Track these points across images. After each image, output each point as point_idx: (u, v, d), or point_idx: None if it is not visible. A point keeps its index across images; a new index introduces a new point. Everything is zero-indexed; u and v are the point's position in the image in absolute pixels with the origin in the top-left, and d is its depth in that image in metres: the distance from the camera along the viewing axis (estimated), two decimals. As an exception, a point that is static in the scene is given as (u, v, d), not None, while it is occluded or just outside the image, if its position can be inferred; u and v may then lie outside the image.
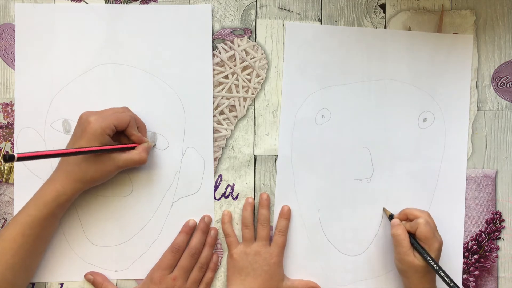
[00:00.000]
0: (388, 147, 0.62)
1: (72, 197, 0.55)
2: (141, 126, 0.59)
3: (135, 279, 0.61)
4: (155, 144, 0.61)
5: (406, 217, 0.59)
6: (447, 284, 0.53)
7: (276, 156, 0.62)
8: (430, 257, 0.54)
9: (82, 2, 0.61)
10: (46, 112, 0.60)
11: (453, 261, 0.62)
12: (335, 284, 0.62)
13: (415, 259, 0.55)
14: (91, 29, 0.61)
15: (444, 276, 0.53)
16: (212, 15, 0.62)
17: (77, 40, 0.61)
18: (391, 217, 0.60)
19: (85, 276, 0.59)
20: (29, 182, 0.59)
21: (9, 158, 0.45)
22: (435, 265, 0.54)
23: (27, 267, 0.55)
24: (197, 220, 0.61)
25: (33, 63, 0.60)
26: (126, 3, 0.61)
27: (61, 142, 0.60)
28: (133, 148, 0.56)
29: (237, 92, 0.62)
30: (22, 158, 0.47)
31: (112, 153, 0.54)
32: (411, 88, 0.63)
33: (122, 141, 0.57)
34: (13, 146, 0.60)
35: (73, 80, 0.61)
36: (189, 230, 0.60)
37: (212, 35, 0.62)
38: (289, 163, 0.62)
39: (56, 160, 0.56)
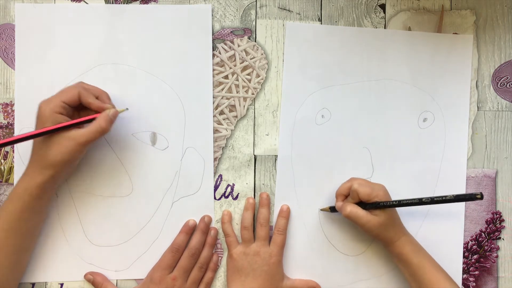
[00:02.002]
0: (388, 147, 0.62)
1: (44, 185, 0.53)
2: (100, 94, 0.55)
3: (135, 279, 0.61)
4: (127, 109, 0.57)
5: (343, 196, 0.59)
6: (421, 203, 0.54)
7: (276, 156, 0.62)
8: (387, 202, 0.55)
9: (82, 2, 0.61)
10: (46, 112, 0.60)
11: (453, 261, 0.62)
12: (335, 284, 0.62)
13: (377, 218, 0.55)
14: (91, 29, 0.61)
15: (413, 200, 0.54)
16: (212, 15, 0.62)
17: (77, 40, 0.61)
18: (332, 209, 0.60)
19: (85, 276, 0.59)
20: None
21: None
22: (395, 202, 0.55)
23: (14, 264, 0.54)
24: (197, 220, 0.61)
25: (33, 63, 0.60)
26: (126, 3, 0.61)
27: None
28: (93, 120, 0.53)
29: (237, 92, 0.62)
30: None
31: (68, 131, 0.52)
32: (411, 88, 0.63)
33: (83, 115, 0.55)
34: (13, 146, 0.60)
35: (73, 80, 0.61)
36: (189, 230, 0.60)
37: (212, 35, 0.62)
38: (289, 163, 0.62)
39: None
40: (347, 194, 0.58)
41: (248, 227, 0.60)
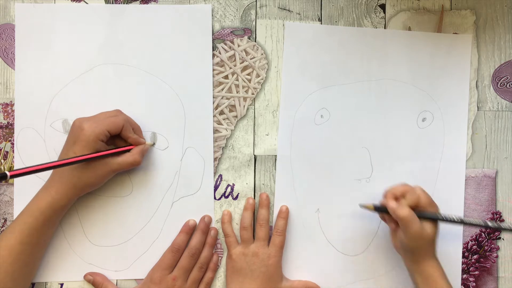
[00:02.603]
0: (387, 147, 0.62)
1: (68, 203, 0.55)
2: (135, 128, 0.58)
3: (135, 279, 0.61)
4: (154, 143, 0.60)
5: (394, 197, 0.56)
6: (487, 226, 0.53)
7: (276, 156, 0.62)
8: (444, 216, 0.53)
9: (82, 2, 0.61)
10: (46, 112, 0.60)
11: (452, 261, 0.62)
12: (334, 284, 0.62)
13: (427, 230, 0.53)
14: (91, 29, 0.61)
15: (466, 220, 0.54)
16: (212, 15, 0.62)
17: (77, 40, 0.61)
18: (377, 208, 0.58)
19: (85, 276, 0.59)
20: (29, 182, 0.59)
21: (1, 177, 0.44)
22: (457, 219, 0.53)
23: (26, 274, 0.55)
24: (197, 220, 0.61)
25: (33, 63, 0.60)
26: (126, 3, 0.61)
27: (61, 142, 0.59)
28: (128, 150, 0.56)
29: (237, 92, 0.62)
30: (16, 175, 0.46)
31: (106, 158, 0.54)
32: (410, 88, 0.63)
33: (117, 143, 0.57)
34: (13, 146, 0.60)
35: (73, 80, 0.61)
36: (189, 230, 0.60)
37: (212, 35, 0.62)
38: (288, 163, 0.62)
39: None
40: (399, 196, 0.56)
41: (247, 228, 0.60)
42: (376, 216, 0.61)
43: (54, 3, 0.61)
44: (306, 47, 0.62)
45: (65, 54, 0.61)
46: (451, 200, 0.63)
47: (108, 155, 0.54)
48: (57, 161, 0.51)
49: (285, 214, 0.61)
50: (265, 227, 0.60)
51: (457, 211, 0.63)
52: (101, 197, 0.60)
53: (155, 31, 0.61)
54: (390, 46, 0.63)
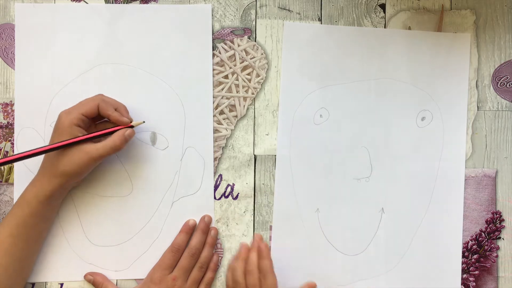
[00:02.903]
0: (387, 147, 0.62)
1: (52, 193, 0.54)
2: (119, 107, 0.56)
3: (135, 279, 0.61)
4: (144, 122, 0.58)
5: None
6: None
7: (276, 156, 0.62)
8: None
9: (82, 2, 0.61)
10: (46, 112, 0.60)
11: (452, 260, 0.62)
12: (334, 284, 0.62)
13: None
14: (91, 29, 0.61)
15: None
16: (212, 15, 0.62)
17: (77, 40, 0.61)
18: None
19: (85, 276, 0.59)
20: (29, 181, 0.59)
21: None
22: None
23: (21, 269, 0.55)
24: (197, 220, 0.61)
25: (33, 63, 0.60)
26: (126, 3, 0.61)
27: (61, 142, 0.60)
28: (110, 134, 0.55)
29: (237, 92, 0.62)
30: None
31: (83, 144, 0.53)
32: (409, 87, 0.63)
33: (107, 128, 0.56)
34: (13, 146, 0.60)
35: (73, 80, 0.61)
36: (189, 230, 0.60)
37: (212, 35, 0.62)
38: (287, 163, 0.62)
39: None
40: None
41: (241, 283, 0.57)
42: (375, 216, 0.61)
43: (54, 3, 0.61)
44: (305, 46, 0.62)
45: (65, 54, 0.61)
46: (451, 199, 0.63)
47: (85, 141, 0.53)
48: (29, 151, 0.52)
49: (266, 253, 0.58)
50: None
51: (457, 211, 0.63)
52: (101, 197, 0.60)
53: (155, 31, 0.61)
54: (390, 46, 0.63)
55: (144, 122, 0.59)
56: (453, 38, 0.63)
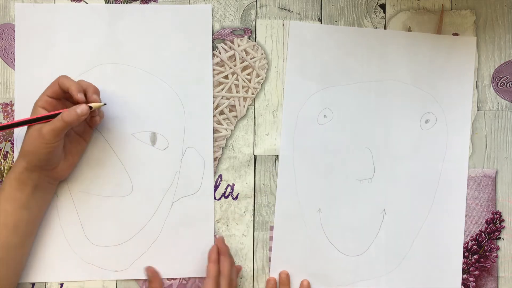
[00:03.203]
0: (390, 148, 0.62)
1: (19, 176, 0.53)
2: (87, 88, 0.55)
3: (135, 279, 0.61)
4: (105, 104, 0.57)
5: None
6: None
7: (276, 156, 0.62)
8: None
9: (82, 2, 0.61)
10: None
11: (453, 261, 0.62)
12: (335, 284, 0.62)
13: None
14: (91, 29, 0.61)
15: None
16: (212, 15, 0.62)
17: (77, 40, 0.61)
18: None
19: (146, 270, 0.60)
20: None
21: None
22: None
23: (5, 261, 0.54)
24: (197, 221, 0.61)
25: (33, 63, 0.60)
26: (126, 3, 0.61)
27: (61, 142, 0.60)
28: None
29: (237, 92, 0.62)
30: None
31: (39, 123, 0.53)
32: (412, 89, 0.63)
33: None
34: (13, 146, 0.60)
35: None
36: (217, 258, 0.58)
37: (212, 35, 0.62)
38: (290, 163, 0.62)
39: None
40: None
41: None
42: (377, 217, 0.61)
43: (54, 3, 0.61)
44: (308, 46, 0.62)
45: (65, 54, 0.61)
46: (453, 201, 0.63)
47: (34, 120, 0.53)
48: None
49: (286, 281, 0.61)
50: None
51: (459, 212, 0.63)
52: (101, 197, 0.60)
53: (155, 31, 0.61)
54: (390, 47, 0.62)
55: (105, 104, 0.58)
56: (457, 41, 0.63)
